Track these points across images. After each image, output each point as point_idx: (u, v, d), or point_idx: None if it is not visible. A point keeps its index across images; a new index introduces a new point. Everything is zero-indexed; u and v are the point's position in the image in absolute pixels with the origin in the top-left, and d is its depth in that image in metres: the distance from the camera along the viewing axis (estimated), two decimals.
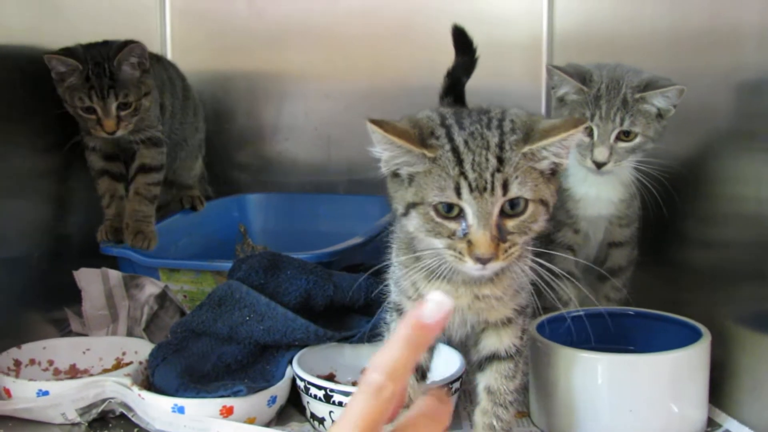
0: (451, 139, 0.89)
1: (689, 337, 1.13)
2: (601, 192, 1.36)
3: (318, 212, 1.97)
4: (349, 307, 1.37)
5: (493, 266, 0.88)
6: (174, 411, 1.13)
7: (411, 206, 0.90)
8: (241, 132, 2.16)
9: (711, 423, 1.13)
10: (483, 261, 0.86)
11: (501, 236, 0.87)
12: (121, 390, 1.18)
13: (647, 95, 1.26)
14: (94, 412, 1.19)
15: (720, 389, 1.14)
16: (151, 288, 1.44)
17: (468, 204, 0.86)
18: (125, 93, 1.54)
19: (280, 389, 1.18)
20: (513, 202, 0.87)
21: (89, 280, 1.48)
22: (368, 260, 1.47)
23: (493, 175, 0.86)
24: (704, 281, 1.26)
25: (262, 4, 2.14)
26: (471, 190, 0.86)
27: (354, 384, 1.26)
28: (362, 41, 2.15)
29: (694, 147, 1.35)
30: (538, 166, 0.89)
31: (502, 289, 0.97)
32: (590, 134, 1.29)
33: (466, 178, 0.86)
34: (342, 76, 2.16)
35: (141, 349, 1.33)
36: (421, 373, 1.06)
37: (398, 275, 1.03)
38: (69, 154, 1.63)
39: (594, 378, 1.09)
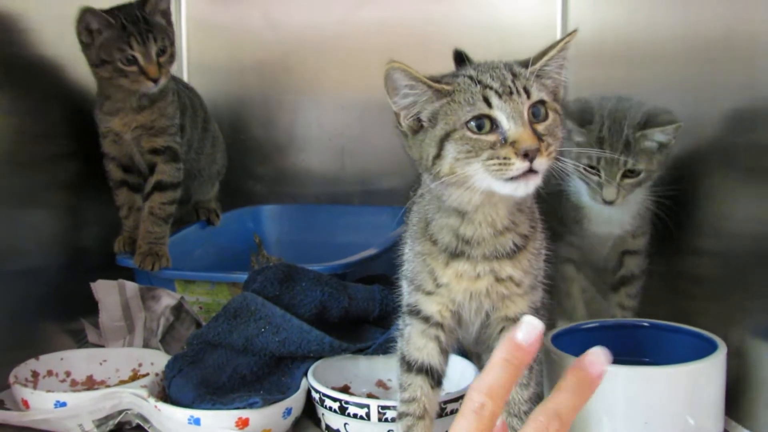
0: (464, 74, 0.95)
1: (705, 349, 1.12)
2: (613, 214, 1.39)
3: (333, 223, 1.97)
4: (364, 318, 1.38)
5: (540, 163, 0.89)
6: (190, 423, 1.14)
7: (444, 139, 0.93)
8: (256, 143, 2.17)
9: None
10: (530, 155, 0.88)
11: (537, 135, 0.90)
12: (137, 401, 1.19)
13: (647, 133, 1.29)
14: (111, 424, 1.20)
15: (736, 401, 1.13)
16: (167, 299, 1.45)
17: (500, 110, 0.90)
18: (162, 37, 1.55)
19: (295, 401, 1.19)
20: (535, 110, 0.92)
21: (106, 291, 1.49)
22: (383, 272, 1.48)
23: (513, 83, 0.91)
24: (719, 293, 1.26)
25: (277, 16, 2.15)
26: (500, 96, 0.90)
27: (369, 396, 1.26)
28: (377, 52, 2.12)
29: (705, 159, 1.34)
30: (546, 84, 0.95)
31: (522, 270, 0.99)
32: (598, 174, 1.32)
33: (491, 88, 0.91)
34: (356, 88, 2.17)
35: (157, 360, 1.34)
36: (437, 379, 1.06)
37: (414, 269, 1.03)
38: (86, 166, 1.64)
39: (609, 390, 1.08)
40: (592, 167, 1.32)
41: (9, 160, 1.44)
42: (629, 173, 1.31)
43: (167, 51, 1.56)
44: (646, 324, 1.26)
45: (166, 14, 1.60)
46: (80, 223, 1.64)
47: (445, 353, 1.06)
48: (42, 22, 1.53)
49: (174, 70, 1.86)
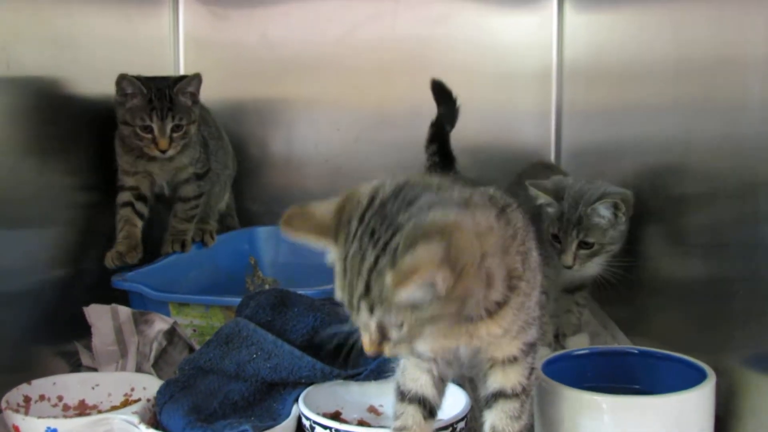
0: (347, 239, 0.86)
1: (694, 377, 1.12)
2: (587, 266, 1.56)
3: None
4: (354, 344, 1.38)
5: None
6: None
7: None
8: (253, 163, 2.19)
9: None
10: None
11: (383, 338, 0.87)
12: (128, 428, 1.19)
13: (591, 209, 1.48)
14: None
15: (725, 430, 1.13)
16: (160, 324, 1.45)
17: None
18: (180, 116, 1.73)
19: (285, 428, 1.18)
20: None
21: (99, 316, 1.49)
22: None
23: (359, 300, 0.84)
24: (709, 321, 1.26)
25: (274, 36, 2.17)
26: (349, 308, 0.86)
27: (360, 423, 1.26)
28: (373, 72, 2.17)
29: (695, 176, 1.35)
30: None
31: (502, 329, 0.94)
32: (556, 239, 1.53)
33: (346, 294, 0.86)
34: (352, 107, 2.19)
35: (149, 385, 1.34)
36: (429, 410, 1.04)
37: None
38: (81, 190, 1.65)
39: (599, 419, 1.08)
40: (555, 236, 1.52)
41: (6, 181, 1.44)
42: (583, 245, 1.50)
43: (182, 128, 1.74)
44: (636, 351, 1.27)
45: (194, 96, 1.77)
46: (74, 245, 1.64)
47: (440, 385, 1.04)
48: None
49: None
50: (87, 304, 1.51)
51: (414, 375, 1.03)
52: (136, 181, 1.77)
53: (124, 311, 1.49)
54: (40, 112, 1.53)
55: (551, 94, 2.17)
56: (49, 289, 1.53)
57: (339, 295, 0.87)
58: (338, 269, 0.87)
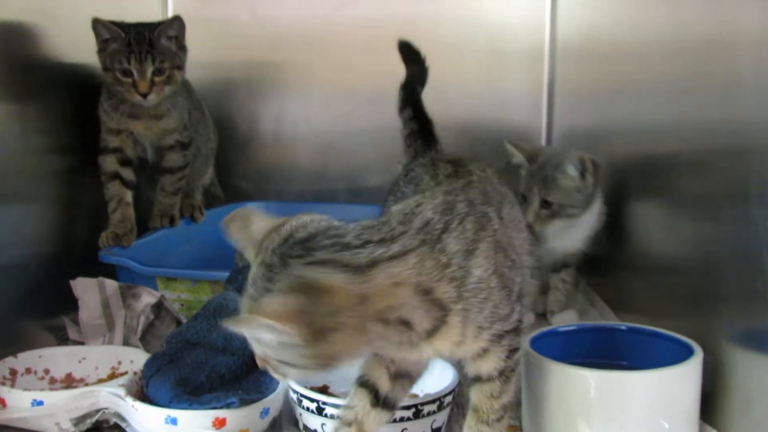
0: (258, 262, 0.92)
1: (681, 353, 1.13)
2: (565, 239, 1.61)
3: None
4: None
5: None
6: (167, 422, 1.14)
7: None
8: (242, 139, 2.18)
9: None
10: None
11: None
12: (115, 400, 1.19)
13: (558, 168, 1.54)
14: (89, 422, 1.19)
15: (711, 406, 1.13)
16: (147, 297, 1.45)
17: None
18: (161, 59, 1.67)
19: (273, 401, 1.19)
20: None
21: (85, 289, 1.49)
22: None
23: None
24: (696, 297, 1.26)
25: (265, 13, 2.15)
26: None
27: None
28: (364, 49, 2.16)
29: (686, 161, 1.35)
30: None
31: (452, 342, 0.94)
32: (525, 199, 1.57)
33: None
34: (343, 84, 2.18)
35: (136, 358, 1.34)
36: (380, 400, 1.04)
37: None
38: (71, 162, 1.64)
39: (585, 394, 1.09)
40: (523, 196, 1.58)
41: None
42: (545, 204, 1.55)
43: (165, 72, 1.68)
44: (623, 328, 1.27)
45: (178, 41, 1.73)
46: (63, 219, 1.64)
47: (400, 380, 1.04)
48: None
49: None
50: (74, 278, 1.51)
51: (372, 364, 1.04)
52: (120, 142, 1.73)
53: (111, 284, 1.49)
54: (19, 62, 1.52)
55: (543, 74, 2.17)
56: (35, 263, 1.53)
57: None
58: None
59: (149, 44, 1.67)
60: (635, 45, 1.58)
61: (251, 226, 0.96)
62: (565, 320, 1.64)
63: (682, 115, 1.35)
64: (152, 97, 1.68)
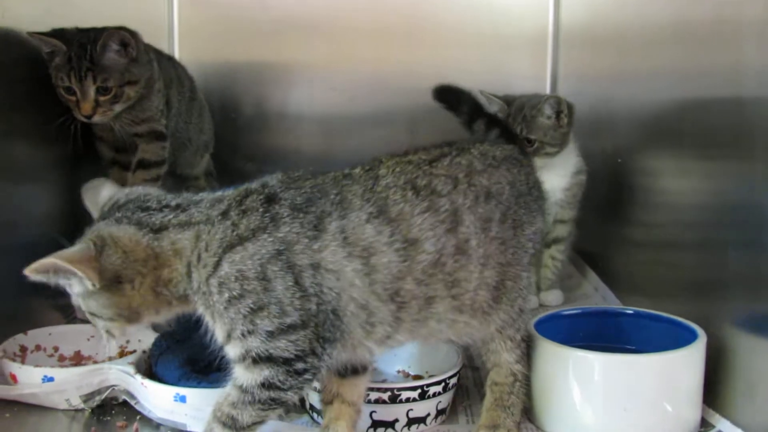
0: None
1: (685, 337, 1.14)
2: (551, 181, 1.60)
3: None
4: None
5: None
6: (176, 400, 1.15)
7: None
8: (247, 122, 2.18)
9: (704, 423, 1.14)
10: None
11: None
12: (124, 378, 1.20)
13: (537, 109, 1.63)
14: (98, 399, 1.21)
15: (714, 390, 1.15)
16: None
17: None
18: (104, 78, 1.51)
19: None
20: None
21: None
22: None
23: None
24: (700, 282, 1.27)
25: None
26: None
27: None
28: (367, 33, 2.16)
29: (690, 144, 1.35)
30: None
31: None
32: None
33: None
34: (347, 68, 2.17)
35: (144, 337, 1.35)
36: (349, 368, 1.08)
37: None
38: (79, 144, 1.64)
39: (590, 377, 1.10)
40: None
41: (3, 136, 1.44)
42: (527, 141, 1.63)
43: (111, 91, 1.52)
44: (628, 311, 1.29)
45: (128, 53, 1.54)
46: (72, 199, 1.63)
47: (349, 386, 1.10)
48: None
49: (165, 48, 1.87)
50: None
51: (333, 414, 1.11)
52: (100, 130, 1.65)
53: None
54: (33, 68, 1.52)
55: (547, 58, 2.17)
56: (45, 242, 1.53)
57: None
58: None
59: (90, 60, 1.50)
60: (639, 30, 1.59)
61: (99, 195, 1.06)
62: (550, 299, 1.68)
63: (685, 98, 1.36)
64: (97, 118, 1.53)
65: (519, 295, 1.09)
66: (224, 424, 0.99)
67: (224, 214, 0.98)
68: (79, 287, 0.98)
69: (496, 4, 2.16)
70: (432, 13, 2.15)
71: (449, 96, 1.33)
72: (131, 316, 1.00)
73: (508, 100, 1.70)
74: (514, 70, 2.19)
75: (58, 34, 1.51)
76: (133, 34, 1.55)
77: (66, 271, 0.96)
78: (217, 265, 0.96)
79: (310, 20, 2.15)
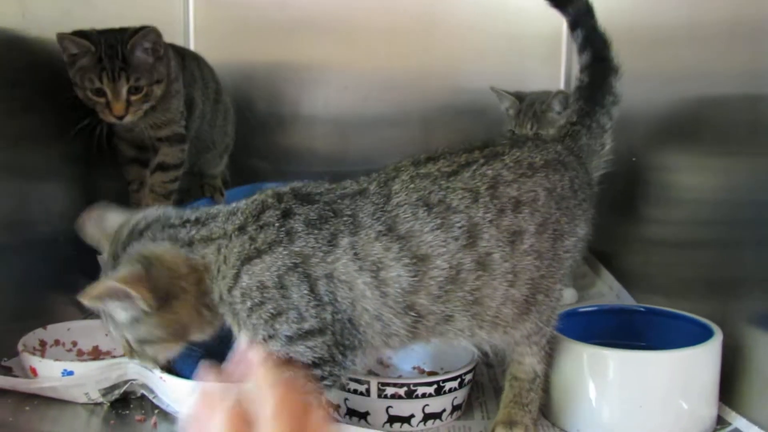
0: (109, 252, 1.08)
1: (701, 335, 1.15)
2: None
3: None
4: None
5: None
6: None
7: None
8: (261, 120, 2.19)
9: (720, 421, 1.15)
10: None
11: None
12: (142, 372, 1.21)
13: (547, 104, 1.70)
14: (117, 393, 1.22)
15: (730, 387, 1.15)
16: None
17: None
18: (136, 77, 1.51)
19: None
20: None
21: None
22: None
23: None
24: (716, 280, 1.28)
25: None
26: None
27: (369, 372, 1.28)
28: (382, 33, 2.17)
29: (706, 144, 1.36)
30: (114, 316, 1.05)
31: None
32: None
33: None
34: (362, 68, 2.18)
35: None
36: None
37: None
38: (97, 140, 1.65)
39: (605, 373, 1.11)
40: (512, 132, 1.75)
41: (20, 133, 1.46)
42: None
43: (142, 90, 1.53)
44: (643, 309, 1.29)
45: (156, 51, 1.55)
46: (90, 195, 1.65)
47: None
48: None
49: (181, 45, 1.88)
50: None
51: None
52: (122, 130, 1.64)
53: None
54: (53, 68, 1.53)
55: (561, 57, 2.17)
56: (64, 239, 1.55)
57: None
58: None
59: (123, 60, 1.50)
60: (654, 29, 1.59)
61: (105, 222, 1.07)
62: (565, 298, 1.65)
63: (700, 98, 1.36)
64: (129, 119, 1.53)
65: (549, 306, 1.08)
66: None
67: (241, 229, 1.00)
68: (128, 313, 0.99)
69: (511, 5, 2.16)
70: (447, 14, 2.15)
71: None
72: (180, 334, 1.02)
73: (519, 96, 1.76)
74: (528, 70, 2.19)
75: (83, 35, 1.51)
76: (158, 33, 1.55)
77: (121, 294, 0.95)
78: (237, 276, 0.99)
79: (326, 20, 2.16)
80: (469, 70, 2.10)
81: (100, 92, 1.51)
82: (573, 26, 1.25)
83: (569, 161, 1.11)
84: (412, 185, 1.00)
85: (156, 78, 1.55)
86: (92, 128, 1.59)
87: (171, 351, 1.06)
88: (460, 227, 0.98)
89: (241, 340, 1.00)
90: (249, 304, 0.98)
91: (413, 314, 0.99)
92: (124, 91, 1.51)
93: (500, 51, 2.17)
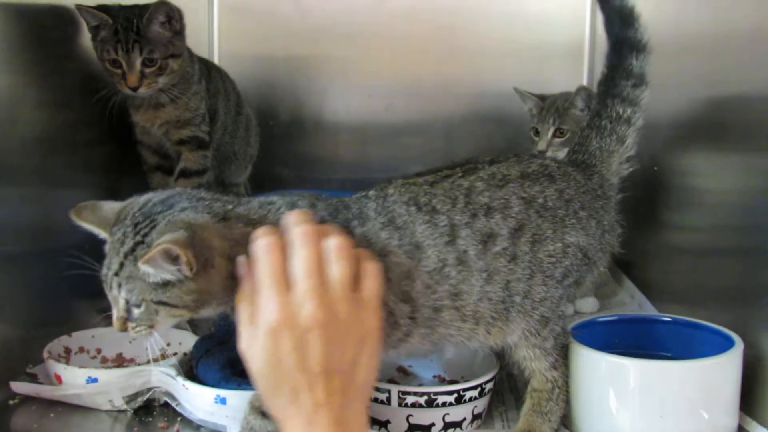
0: (118, 229, 1.06)
1: (722, 344, 1.14)
2: None
3: None
4: None
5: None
6: (216, 402, 1.17)
7: None
8: (284, 128, 2.20)
9: (741, 431, 1.14)
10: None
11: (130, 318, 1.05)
12: (166, 380, 1.23)
13: (570, 102, 1.74)
14: (140, 400, 1.24)
15: (751, 397, 1.14)
16: None
17: None
18: (150, 49, 1.55)
19: None
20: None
21: None
22: None
23: (112, 277, 1.04)
24: (738, 289, 1.27)
25: (308, 4, 2.17)
26: (104, 282, 1.07)
27: (390, 381, 1.29)
28: (404, 42, 2.17)
29: (726, 153, 1.35)
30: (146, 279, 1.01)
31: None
32: (537, 134, 1.79)
33: (105, 270, 1.07)
34: (384, 76, 2.19)
35: (185, 340, 1.37)
36: None
37: None
38: (121, 149, 1.67)
39: (626, 383, 1.11)
40: (535, 129, 1.80)
41: (46, 142, 1.48)
42: (559, 132, 1.75)
43: (156, 63, 1.56)
44: (665, 319, 1.29)
45: (173, 26, 1.58)
46: None
47: None
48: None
49: (204, 55, 1.89)
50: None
51: None
52: (141, 134, 1.69)
53: None
54: (82, 78, 1.56)
55: (583, 67, 2.17)
56: (88, 247, 1.56)
57: (102, 271, 1.06)
58: (106, 251, 1.06)
59: (137, 32, 1.54)
60: (677, 40, 1.58)
61: (100, 211, 1.09)
62: (586, 307, 1.65)
63: (721, 109, 1.36)
64: (143, 91, 1.57)
65: (537, 309, 1.13)
66: (263, 415, 1.08)
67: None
68: (164, 275, 0.99)
69: (533, 13, 2.16)
70: (469, 21, 2.16)
71: None
72: (202, 304, 1.03)
73: (542, 97, 1.81)
74: (551, 78, 2.18)
75: (104, 8, 1.56)
76: (177, 9, 1.59)
77: (172, 256, 0.96)
78: None
79: (348, 28, 2.17)
80: (492, 78, 2.11)
81: (116, 63, 1.55)
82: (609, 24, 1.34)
83: (560, 174, 1.18)
84: (403, 189, 1.12)
85: (171, 52, 1.58)
86: (107, 98, 1.62)
87: (176, 320, 1.08)
88: (443, 226, 1.09)
89: None
90: None
91: (411, 304, 1.08)
92: (138, 62, 1.55)
93: (522, 58, 2.17)
